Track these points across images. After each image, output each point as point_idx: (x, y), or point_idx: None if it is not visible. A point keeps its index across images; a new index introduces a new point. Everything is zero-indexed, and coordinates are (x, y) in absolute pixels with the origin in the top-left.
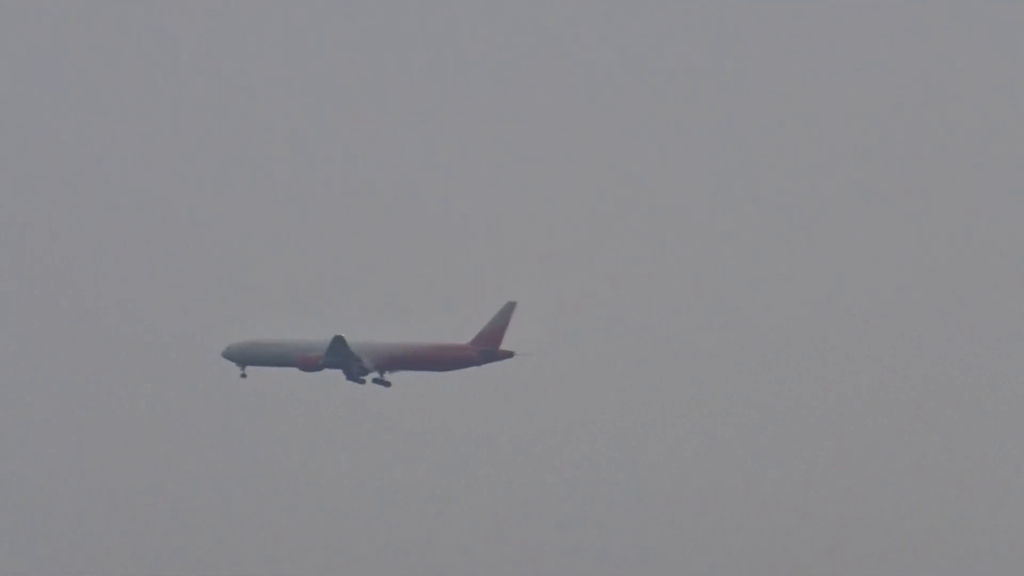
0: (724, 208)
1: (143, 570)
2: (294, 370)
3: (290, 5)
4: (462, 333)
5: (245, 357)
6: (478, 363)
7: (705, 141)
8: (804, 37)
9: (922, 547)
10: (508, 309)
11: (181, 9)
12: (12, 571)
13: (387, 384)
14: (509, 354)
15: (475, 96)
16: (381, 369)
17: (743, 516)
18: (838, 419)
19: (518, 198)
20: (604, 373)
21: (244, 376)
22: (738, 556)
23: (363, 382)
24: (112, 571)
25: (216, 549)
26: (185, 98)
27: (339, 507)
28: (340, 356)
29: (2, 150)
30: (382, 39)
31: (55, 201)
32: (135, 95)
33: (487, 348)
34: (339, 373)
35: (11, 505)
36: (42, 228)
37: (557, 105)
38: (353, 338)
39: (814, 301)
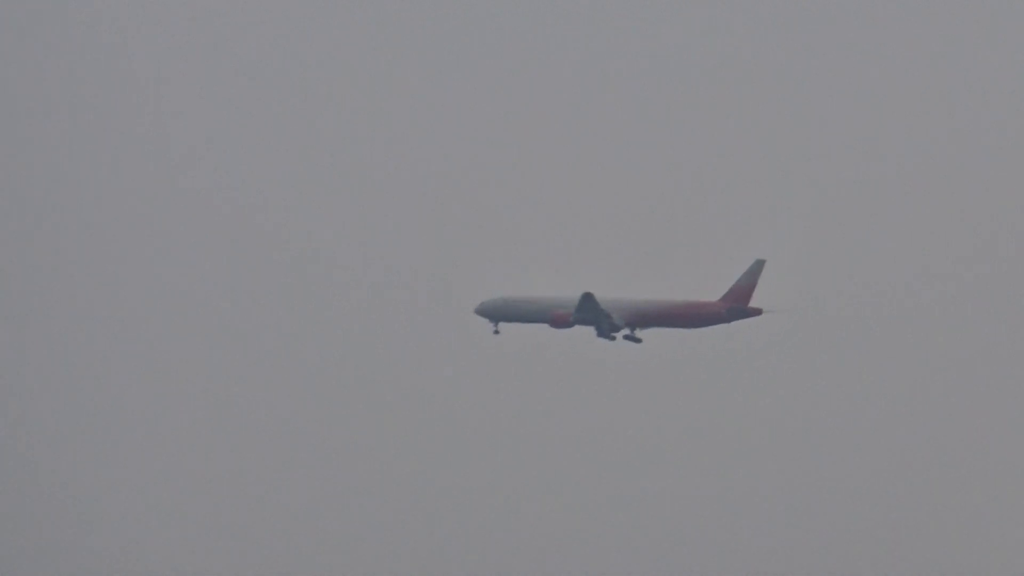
0: None
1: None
2: (545, 326)
3: None
4: (712, 291)
5: (498, 313)
6: (727, 320)
7: None
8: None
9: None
10: (757, 267)
11: None
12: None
13: (638, 340)
14: (758, 311)
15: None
16: (631, 326)
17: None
18: None
19: (768, 156)
20: (854, 332)
21: (497, 332)
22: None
23: (614, 339)
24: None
25: (470, 497)
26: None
27: (594, 461)
28: (590, 313)
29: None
30: None
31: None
32: None
33: (736, 305)
34: (590, 330)
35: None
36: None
37: None
38: (603, 295)
39: None
